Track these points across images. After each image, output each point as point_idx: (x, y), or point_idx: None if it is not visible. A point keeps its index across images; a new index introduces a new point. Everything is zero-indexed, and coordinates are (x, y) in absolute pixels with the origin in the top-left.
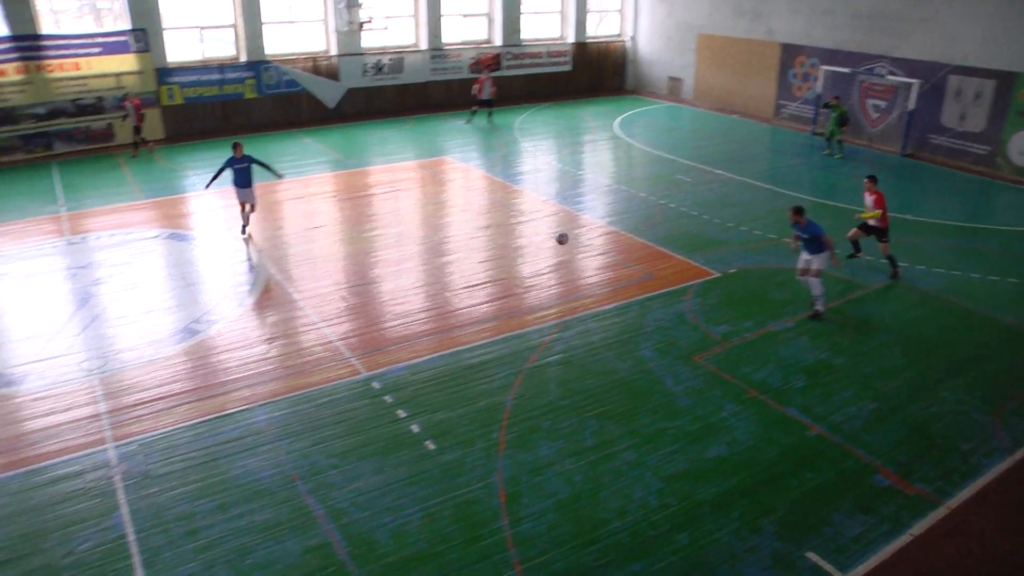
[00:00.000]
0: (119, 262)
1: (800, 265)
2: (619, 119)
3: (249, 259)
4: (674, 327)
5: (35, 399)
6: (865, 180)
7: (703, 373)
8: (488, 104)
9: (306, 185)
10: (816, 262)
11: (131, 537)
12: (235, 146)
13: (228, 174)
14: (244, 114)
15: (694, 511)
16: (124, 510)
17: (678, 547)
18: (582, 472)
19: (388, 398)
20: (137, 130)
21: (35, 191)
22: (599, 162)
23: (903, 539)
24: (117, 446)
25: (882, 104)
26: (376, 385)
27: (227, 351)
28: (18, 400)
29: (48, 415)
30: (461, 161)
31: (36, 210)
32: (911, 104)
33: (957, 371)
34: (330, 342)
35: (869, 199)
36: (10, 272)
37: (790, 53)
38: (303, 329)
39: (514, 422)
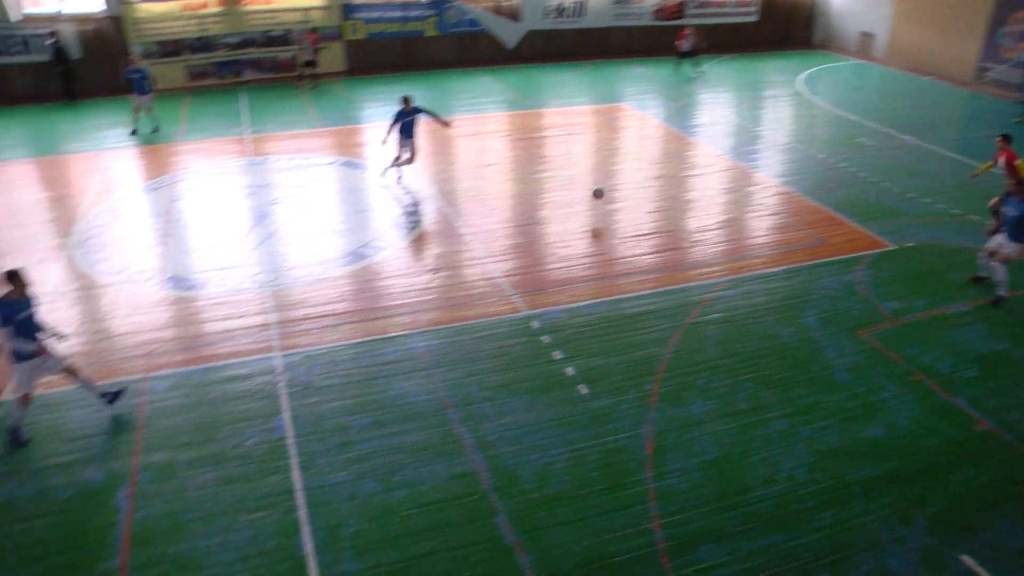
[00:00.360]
0: (295, 184)
1: (989, 245)
2: (803, 75)
3: (411, 193)
4: (842, 298)
5: (214, 304)
6: (997, 140)
7: (867, 349)
8: (689, 55)
9: (481, 123)
10: (1010, 248)
11: (291, 440)
12: (404, 100)
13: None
14: (424, 51)
15: (843, 491)
16: (286, 415)
17: (822, 525)
18: (732, 435)
19: (546, 338)
20: (310, 64)
21: (224, 114)
22: (778, 119)
23: None
24: (284, 355)
25: None
26: (535, 324)
27: (392, 277)
28: (200, 303)
29: (224, 320)
30: (637, 109)
31: (223, 131)
32: None
33: None
34: (493, 278)
35: (1001, 160)
36: (199, 186)
37: (1005, 8)
38: (468, 263)
39: (668, 376)
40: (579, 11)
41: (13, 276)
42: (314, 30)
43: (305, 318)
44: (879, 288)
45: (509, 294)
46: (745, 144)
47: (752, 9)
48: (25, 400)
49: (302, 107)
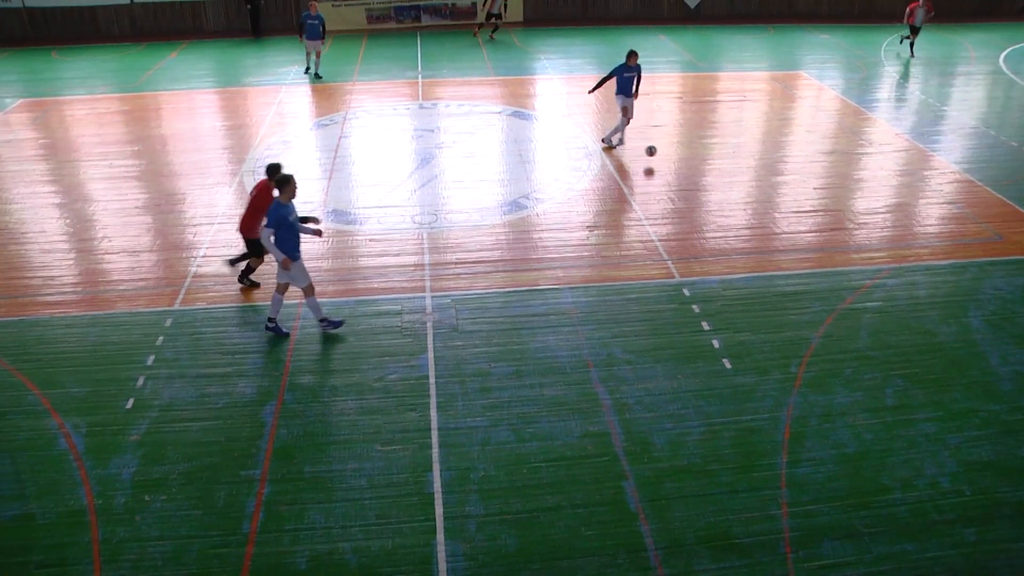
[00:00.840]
0: (462, 131)
1: None
2: (1007, 51)
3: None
4: (1015, 301)
5: (372, 240)
6: None
7: None
8: (915, 32)
9: (653, 83)
10: None
11: (432, 379)
12: (630, 55)
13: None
14: (603, 6)
15: (991, 509)
16: (430, 354)
17: (961, 542)
18: (874, 431)
19: (695, 307)
20: (492, 15)
21: (400, 57)
22: (969, 99)
23: None
24: (434, 296)
25: None
26: (686, 292)
27: (548, 231)
28: (359, 238)
29: (381, 256)
30: (816, 79)
31: (398, 74)
32: None
33: None
34: (650, 241)
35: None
36: (368, 126)
37: None
38: (626, 223)
39: (815, 361)
40: None
41: (286, 181)
42: None
43: (458, 263)
44: None
45: (664, 258)
46: (928, 124)
47: None
48: (311, 289)
49: (477, 55)
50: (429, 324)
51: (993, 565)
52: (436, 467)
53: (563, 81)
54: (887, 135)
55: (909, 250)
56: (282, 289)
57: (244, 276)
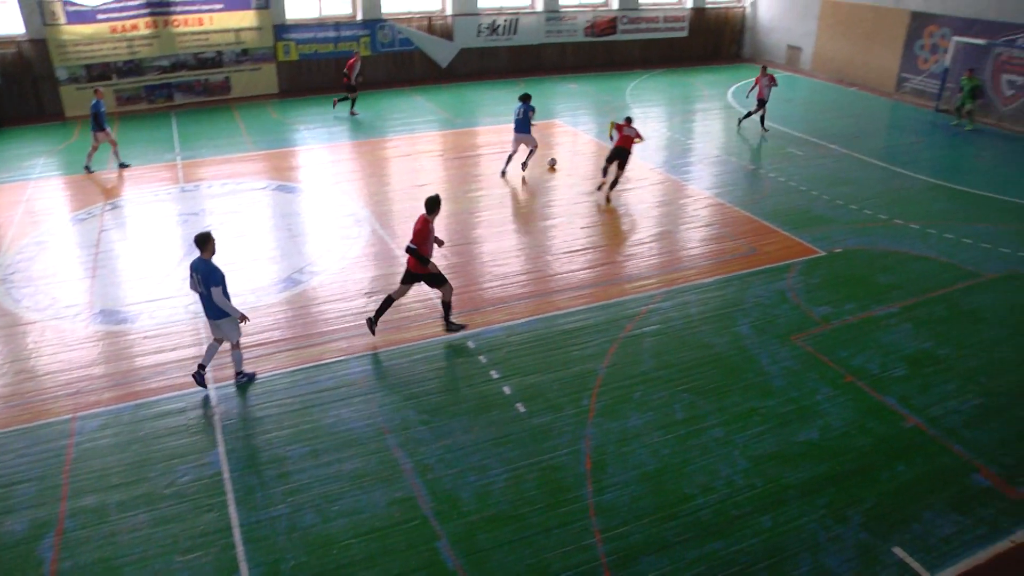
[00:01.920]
0: (229, 210)
1: None
2: (733, 88)
3: (346, 216)
4: (774, 305)
5: (146, 337)
6: None
7: (800, 354)
8: (763, 105)
9: (414, 143)
10: None
11: (226, 475)
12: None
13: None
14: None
15: (780, 495)
16: (221, 449)
17: (760, 530)
18: (670, 446)
19: (483, 358)
20: (351, 87)
21: (155, 139)
22: (709, 132)
23: (1003, 544)
24: (218, 387)
25: (1019, 80)
26: (471, 344)
27: (327, 303)
28: (131, 337)
29: (157, 353)
30: (570, 125)
31: (155, 157)
32: None
33: None
34: (428, 299)
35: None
36: (129, 215)
37: (920, 22)
38: None
39: (605, 391)
40: (512, 29)
41: (206, 239)
42: (354, 53)
43: (239, 348)
44: (810, 294)
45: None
46: (677, 157)
47: (682, 24)
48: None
49: (235, 130)
50: (216, 417)
51: (788, 543)
52: (243, 567)
53: (326, 150)
54: (643, 171)
55: (677, 273)
56: (220, 340)
57: (448, 320)
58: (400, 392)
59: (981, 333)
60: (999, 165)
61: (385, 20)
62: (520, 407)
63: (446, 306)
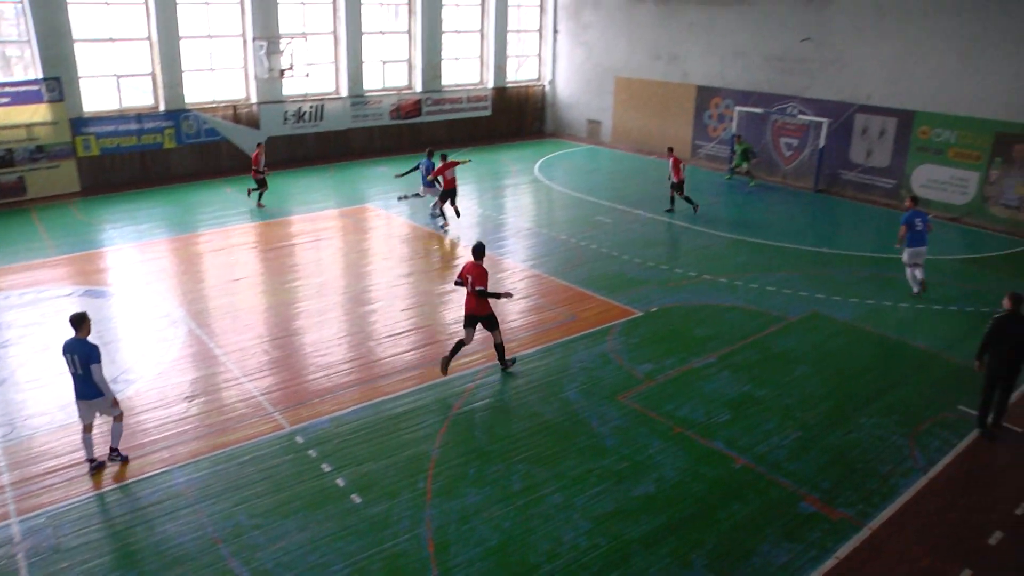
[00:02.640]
0: (30, 322)
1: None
2: (539, 162)
3: (160, 318)
4: (598, 368)
5: None
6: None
7: (628, 412)
8: (681, 187)
9: (227, 237)
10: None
11: None
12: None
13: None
14: (163, 164)
15: (624, 550)
16: None
17: None
18: (511, 518)
19: (312, 452)
20: (261, 179)
21: None
22: (520, 206)
23: (829, 563)
24: (22, 520)
25: (794, 142)
26: (300, 439)
27: (145, 411)
28: None
29: None
30: (383, 209)
31: None
32: (821, 142)
33: (874, 397)
34: (252, 397)
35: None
36: None
37: (705, 95)
38: (224, 385)
39: (440, 471)
40: (318, 115)
41: (82, 319)
42: (257, 144)
43: (48, 472)
44: (632, 353)
45: (270, 412)
46: (491, 232)
47: (485, 104)
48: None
49: (34, 234)
50: (20, 555)
51: None
52: None
53: (135, 249)
54: (457, 249)
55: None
56: (90, 427)
57: (503, 359)
58: (229, 498)
59: (792, 372)
60: (789, 218)
61: (189, 110)
62: (355, 498)
63: (500, 348)
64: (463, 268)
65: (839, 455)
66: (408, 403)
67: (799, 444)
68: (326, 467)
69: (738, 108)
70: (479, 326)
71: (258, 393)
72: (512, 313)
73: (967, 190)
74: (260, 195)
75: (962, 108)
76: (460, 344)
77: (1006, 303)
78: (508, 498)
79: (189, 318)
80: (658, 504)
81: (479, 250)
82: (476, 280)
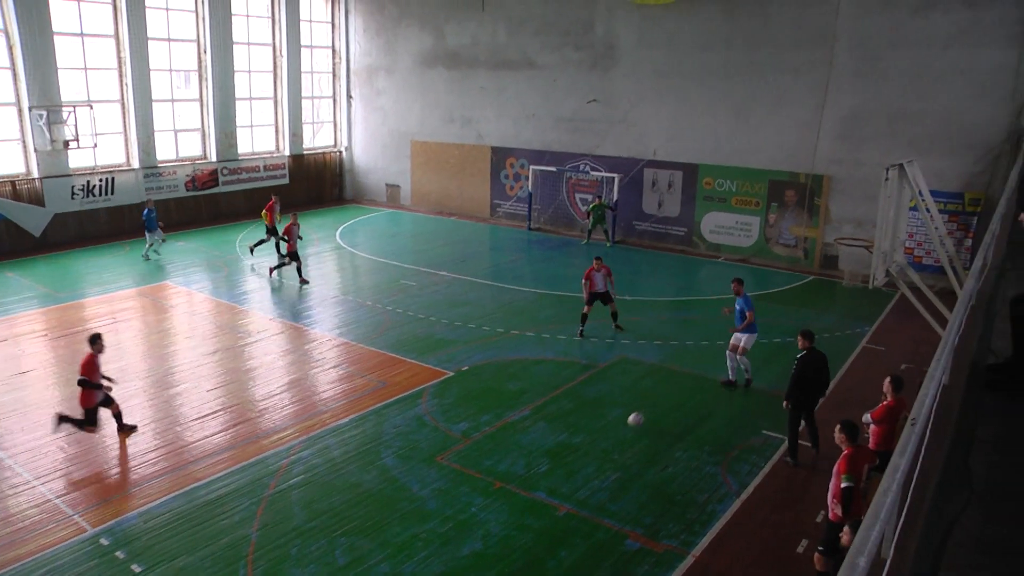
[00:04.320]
0: None
1: (732, 342)
2: (341, 228)
3: None
4: (414, 431)
5: None
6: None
7: (448, 473)
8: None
9: (11, 326)
10: (745, 340)
11: None
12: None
13: None
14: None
15: None
16: None
17: None
18: None
19: (120, 553)
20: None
21: None
22: (324, 274)
23: None
24: None
25: (589, 197)
26: (104, 541)
27: None
28: None
29: None
30: (183, 285)
31: None
32: (615, 196)
33: (686, 431)
34: (47, 500)
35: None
36: None
37: (500, 155)
38: (11, 492)
39: (260, 554)
40: (109, 189)
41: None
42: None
43: None
44: (446, 413)
45: (69, 514)
46: (296, 303)
47: (283, 171)
48: None
49: None
50: None
51: None
52: None
53: None
54: (263, 322)
55: (313, 419)
56: None
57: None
58: None
59: (606, 416)
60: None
61: None
62: None
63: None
64: None
65: (658, 490)
66: (221, 487)
67: (619, 485)
68: (136, 568)
69: (533, 167)
70: None
71: (53, 496)
72: (322, 384)
73: (751, 233)
74: (299, 270)
75: (738, 160)
76: None
77: (800, 343)
78: (334, 573)
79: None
80: (487, 561)
81: (92, 340)
82: (80, 369)
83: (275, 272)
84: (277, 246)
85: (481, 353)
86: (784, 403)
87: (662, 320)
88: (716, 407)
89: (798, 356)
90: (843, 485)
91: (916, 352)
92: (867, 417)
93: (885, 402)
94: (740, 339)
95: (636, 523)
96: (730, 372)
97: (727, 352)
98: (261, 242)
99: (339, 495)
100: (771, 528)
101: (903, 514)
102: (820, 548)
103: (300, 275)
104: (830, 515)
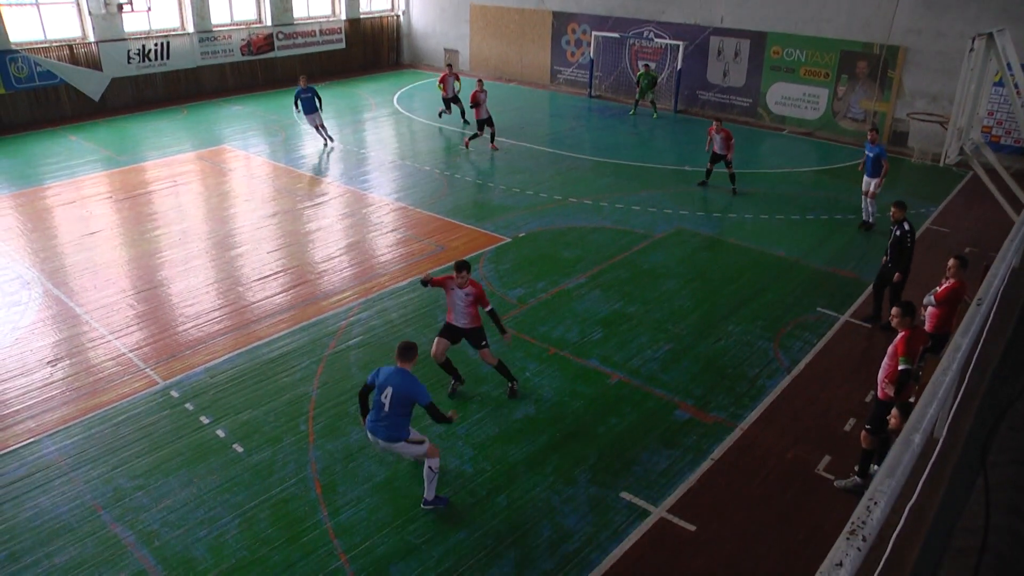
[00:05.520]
0: None
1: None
2: (398, 94)
3: (11, 279)
4: None
5: None
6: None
7: None
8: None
9: (78, 188)
10: (874, 185)
11: None
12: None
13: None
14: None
15: (509, 472)
16: None
17: (498, 510)
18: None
19: (189, 406)
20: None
21: None
22: (381, 139)
23: (706, 464)
24: None
25: (652, 65)
26: (175, 394)
27: (4, 381)
28: None
29: None
30: (241, 149)
31: None
32: (679, 64)
33: (739, 305)
34: (121, 354)
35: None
36: None
37: (562, 20)
38: (90, 345)
39: (320, 412)
40: (164, 53)
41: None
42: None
43: None
44: (503, 279)
45: (142, 368)
46: (354, 168)
47: (339, 36)
48: None
49: None
50: None
51: (526, 516)
52: None
53: None
54: (322, 185)
55: (371, 282)
56: None
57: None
58: (106, 462)
59: (660, 287)
60: (651, 139)
61: (17, 51)
62: (238, 447)
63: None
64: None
65: (709, 363)
66: (282, 346)
67: (671, 356)
68: (205, 419)
69: (595, 33)
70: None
71: (127, 350)
72: (380, 247)
73: (818, 106)
74: (492, 136)
75: (810, 28)
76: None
77: (898, 214)
78: None
79: (44, 278)
80: (539, 425)
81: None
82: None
83: (470, 142)
84: (462, 114)
85: (538, 220)
86: (896, 276)
87: (720, 192)
88: (772, 282)
89: (903, 226)
90: (900, 367)
91: (983, 235)
92: (929, 299)
93: (948, 283)
94: (870, 184)
95: (686, 394)
96: (864, 214)
97: (862, 197)
98: (441, 113)
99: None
100: (819, 405)
101: (959, 396)
102: (868, 426)
103: (492, 141)
104: (879, 394)
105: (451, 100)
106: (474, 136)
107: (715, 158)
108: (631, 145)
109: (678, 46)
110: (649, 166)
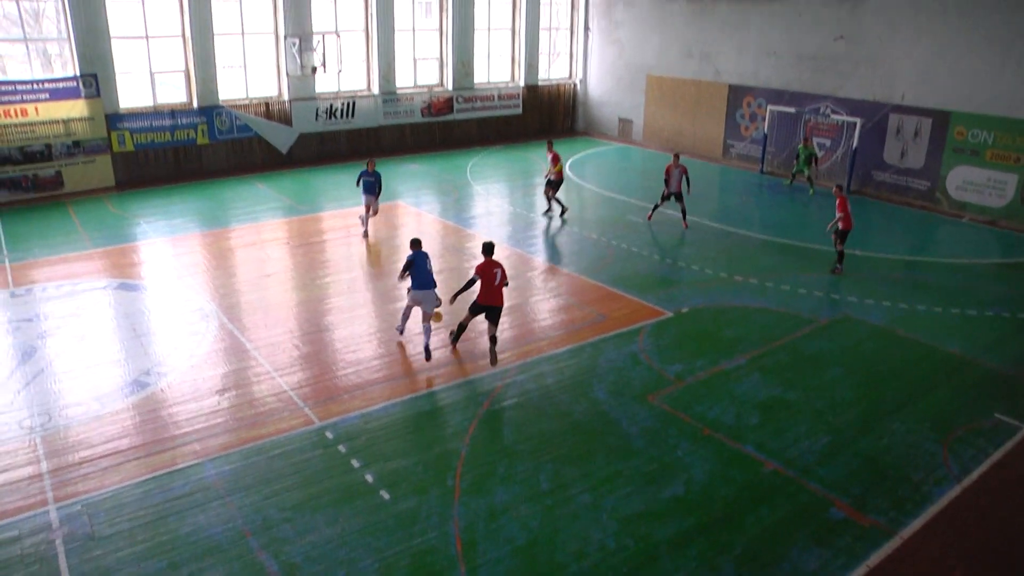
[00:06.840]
0: (66, 314)
1: None
2: (570, 161)
3: (193, 312)
4: (628, 368)
5: None
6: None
7: (657, 413)
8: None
9: (258, 232)
10: None
11: None
12: (368, 162)
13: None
14: (196, 160)
15: (652, 551)
16: None
17: None
18: (538, 516)
19: (342, 448)
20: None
21: None
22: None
23: (860, 570)
24: (59, 507)
25: (827, 142)
26: (329, 435)
27: (177, 404)
28: None
29: None
30: (413, 206)
31: None
32: (855, 142)
33: (906, 402)
34: (283, 392)
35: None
36: None
37: (737, 94)
38: (255, 379)
39: (469, 468)
40: (350, 112)
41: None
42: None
43: (83, 461)
44: (662, 354)
45: (301, 406)
46: (521, 231)
47: (516, 102)
48: None
49: (70, 228)
50: (58, 542)
51: None
52: None
53: (168, 243)
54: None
55: (530, 345)
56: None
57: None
58: (259, 491)
59: (823, 375)
60: (821, 219)
61: (222, 107)
62: (384, 494)
63: (495, 340)
64: (480, 265)
65: (870, 461)
66: (437, 400)
67: (829, 449)
68: (355, 463)
69: (770, 107)
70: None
71: (288, 388)
72: (542, 312)
73: (1005, 193)
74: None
75: (1000, 108)
76: (463, 327)
77: None
78: (536, 497)
79: (221, 312)
80: (687, 506)
81: (491, 248)
82: (505, 275)
83: (652, 214)
84: (683, 215)
85: (700, 296)
86: None
87: (893, 280)
88: (942, 380)
89: None
90: None
91: None
92: None
93: None
94: None
95: (843, 491)
96: None
97: None
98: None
99: (549, 422)
100: (995, 523)
101: None
102: None
103: (685, 217)
104: None
105: (674, 195)
106: (655, 208)
107: (670, 196)
108: (800, 224)
109: (855, 123)
110: (818, 248)
